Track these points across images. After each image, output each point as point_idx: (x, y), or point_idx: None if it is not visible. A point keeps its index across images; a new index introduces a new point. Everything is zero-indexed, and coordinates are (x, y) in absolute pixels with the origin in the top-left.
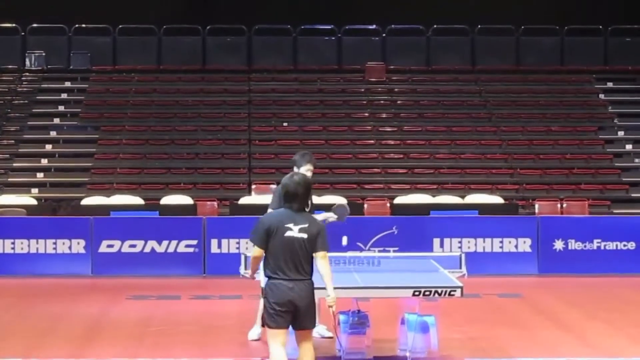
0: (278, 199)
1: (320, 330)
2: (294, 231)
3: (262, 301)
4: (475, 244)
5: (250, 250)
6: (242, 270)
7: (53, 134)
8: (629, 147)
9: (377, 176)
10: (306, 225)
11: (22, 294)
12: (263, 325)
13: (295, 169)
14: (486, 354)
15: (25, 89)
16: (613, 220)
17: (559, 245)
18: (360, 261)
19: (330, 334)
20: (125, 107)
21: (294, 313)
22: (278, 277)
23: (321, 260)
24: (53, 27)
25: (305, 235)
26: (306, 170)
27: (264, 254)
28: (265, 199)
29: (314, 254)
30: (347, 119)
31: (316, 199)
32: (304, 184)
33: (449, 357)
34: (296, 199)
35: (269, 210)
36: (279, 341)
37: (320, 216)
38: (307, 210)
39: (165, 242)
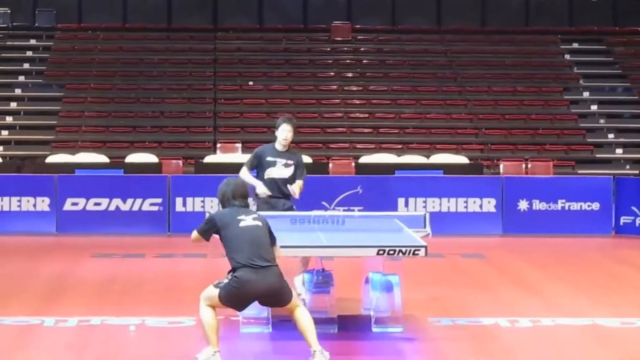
0: (252, 155)
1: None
2: (247, 220)
3: None
4: (440, 204)
5: (214, 209)
6: None
7: (18, 91)
8: (594, 107)
9: (342, 135)
10: (256, 215)
11: None
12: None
13: (276, 132)
14: (449, 314)
15: None
16: (577, 181)
17: (523, 205)
18: (325, 220)
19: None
20: (90, 65)
21: (266, 298)
22: (251, 267)
23: (278, 252)
24: None
25: (259, 223)
26: (282, 131)
27: (225, 253)
28: (230, 157)
29: (272, 236)
30: (312, 79)
31: None
32: (240, 186)
33: (412, 316)
34: (237, 198)
35: (243, 168)
36: (215, 308)
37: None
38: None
39: (130, 201)
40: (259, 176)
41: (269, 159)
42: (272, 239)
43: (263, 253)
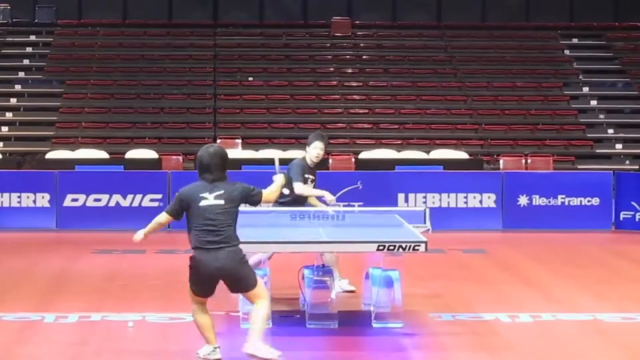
0: (299, 170)
1: (343, 284)
2: (209, 199)
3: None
4: (440, 200)
5: None
6: None
7: (18, 87)
8: (593, 103)
9: (342, 131)
10: (221, 192)
11: None
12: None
13: (307, 148)
14: (450, 309)
15: None
16: (577, 176)
17: (523, 200)
18: (325, 216)
19: (352, 288)
20: (90, 61)
21: (224, 280)
22: (202, 248)
23: (266, 198)
24: None
25: (221, 202)
26: (313, 148)
27: (188, 232)
28: (230, 153)
29: (256, 197)
30: (312, 74)
31: (281, 154)
32: (219, 155)
33: (412, 312)
34: (210, 170)
35: (300, 184)
36: (198, 302)
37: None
38: (223, 180)
39: (130, 196)
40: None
41: (306, 176)
42: (254, 196)
43: (217, 233)
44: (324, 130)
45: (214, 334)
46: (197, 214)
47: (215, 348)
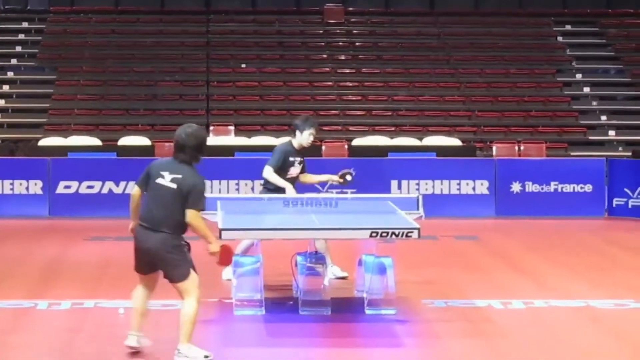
0: (280, 156)
1: (335, 271)
2: (166, 179)
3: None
4: (433, 186)
5: (207, 192)
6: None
7: (10, 74)
8: (586, 90)
9: (335, 118)
10: (179, 176)
11: None
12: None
13: (298, 133)
14: (443, 296)
15: None
16: (570, 163)
17: (516, 187)
18: (318, 202)
19: (345, 274)
20: (83, 48)
21: (150, 263)
22: (141, 224)
23: (189, 220)
24: None
25: (174, 186)
26: (309, 134)
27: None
28: (223, 140)
29: (185, 210)
30: (305, 61)
31: (274, 141)
32: (194, 136)
33: (405, 299)
34: (183, 151)
35: (270, 169)
36: (142, 282)
37: (324, 177)
38: (194, 163)
39: (123, 183)
40: (280, 174)
41: (291, 159)
42: (192, 205)
43: (157, 216)
44: (317, 116)
45: (138, 322)
46: (150, 188)
47: (131, 334)
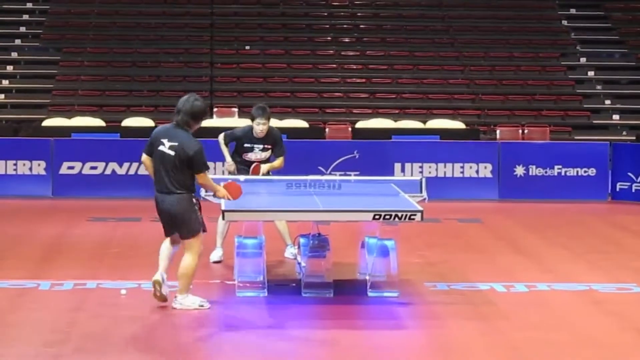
0: (232, 134)
1: (294, 251)
2: (165, 146)
3: (221, 222)
4: (437, 169)
5: (211, 172)
6: (202, 192)
7: (14, 55)
8: (591, 73)
9: (339, 100)
10: (176, 144)
11: None
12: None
13: (252, 122)
14: (445, 278)
15: None
16: (574, 147)
17: (519, 171)
18: (321, 185)
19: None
20: (87, 28)
21: (170, 222)
22: (156, 190)
23: (200, 182)
24: None
25: (172, 153)
26: (256, 124)
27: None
28: (227, 121)
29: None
30: (309, 43)
31: (278, 123)
32: (191, 104)
33: (408, 281)
34: (179, 114)
35: (222, 136)
36: (167, 240)
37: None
38: (187, 129)
39: (126, 164)
40: (235, 155)
41: (247, 145)
42: (196, 169)
43: (165, 179)
44: (321, 99)
45: (164, 264)
46: (156, 156)
47: (157, 273)
